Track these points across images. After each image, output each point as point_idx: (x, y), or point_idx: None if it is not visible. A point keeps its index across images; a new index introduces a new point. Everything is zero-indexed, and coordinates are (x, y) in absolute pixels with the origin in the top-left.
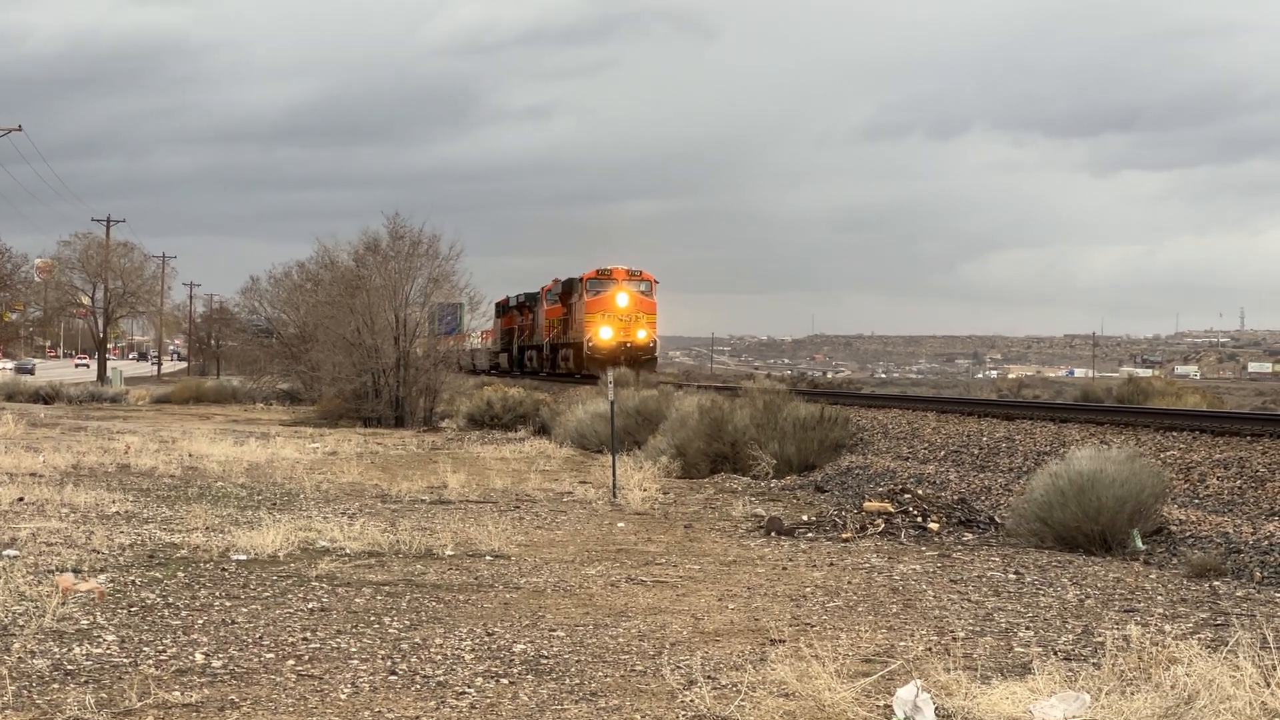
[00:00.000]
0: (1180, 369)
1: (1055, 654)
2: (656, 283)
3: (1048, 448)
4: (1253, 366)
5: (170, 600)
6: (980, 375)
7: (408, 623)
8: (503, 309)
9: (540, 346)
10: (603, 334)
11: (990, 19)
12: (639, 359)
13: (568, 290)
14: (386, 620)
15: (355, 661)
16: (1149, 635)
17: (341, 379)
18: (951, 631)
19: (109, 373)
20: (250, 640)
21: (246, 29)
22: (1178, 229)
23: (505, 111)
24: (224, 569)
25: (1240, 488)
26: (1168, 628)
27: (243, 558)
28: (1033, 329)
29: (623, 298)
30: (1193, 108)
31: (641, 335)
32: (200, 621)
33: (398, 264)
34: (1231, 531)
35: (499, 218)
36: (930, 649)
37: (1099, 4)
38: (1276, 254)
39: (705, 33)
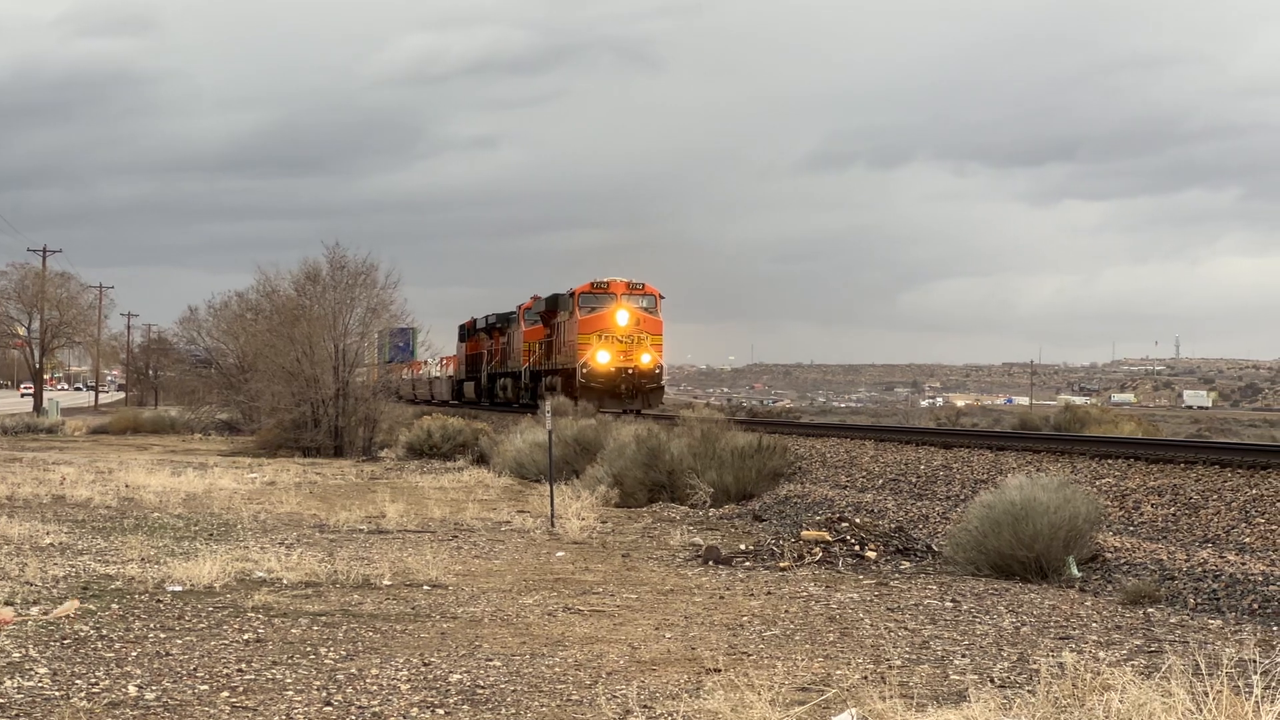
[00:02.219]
0: (1117, 397)
1: (991, 681)
2: (662, 298)
3: (985, 476)
4: (1188, 395)
5: (104, 632)
6: (926, 403)
7: (344, 653)
8: (468, 332)
9: (517, 374)
10: (600, 358)
11: (935, 50)
12: (643, 387)
13: (553, 308)
14: (323, 651)
15: (290, 693)
16: (1083, 662)
17: (280, 409)
18: (888, 660)
19: (45, 403)
20: (184, 672)
21: (194, 60)
22: (1116, 258)
23: (451, 142)
24: (159, 600)
25: (1174, 515)
26: (1102, 654)
27: (178, 589)
28: (972, 357)
29: (623, 315)
30: (1132, 139)
31: (646, 360)
32: (134, 653)
33: (337, 294)
34: (1165, 558)
35: (442, 248)
36: (866, 677)
37: (1042, 36)
38: (1212, 283)
39: (652, 65)
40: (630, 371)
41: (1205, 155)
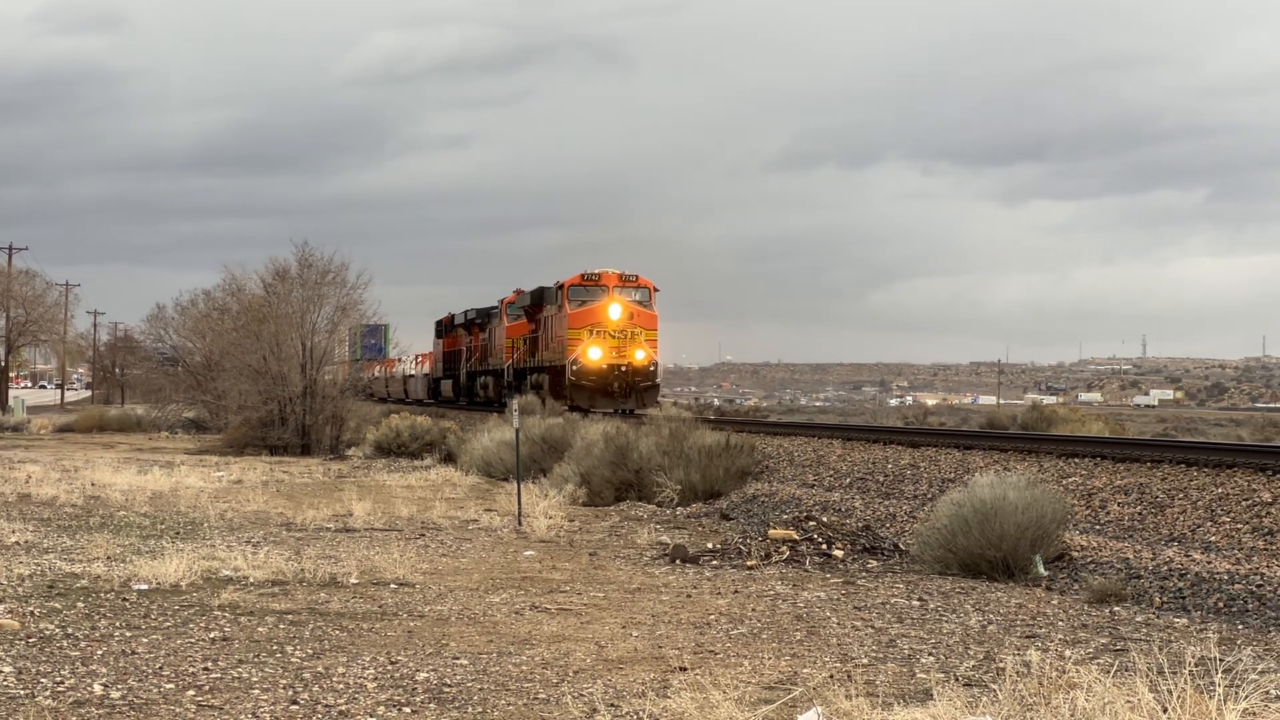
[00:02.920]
0: (1084, 396)
1: (957, 680)
2: (656, 290)
3: (952, 475)
4: (1150, 393)
5: (69, 631)
6: (895, 402)
7: (310, 652)
8: (445, 328)
9: (498, 371)
10: (591, 355)
11: (905, 49)
12: (637, 385)
13: (538, 302)
14: (289, 649)
15: (256, 691)
16: (1049, 661)
17: (247, 407)
18: (854, 659)
19: (11, 402)
20: (150, 671)
21: (165, 58)
22: (1083, 258)
23: (421, 141)
24: (125, 599)
25: (1140, 514)
26: (1068, 653)
27: (144, 587)
28: (939, 357)
29: (615, 309)
30: (1101, 139)
31: (640, 356)
32: (99, 652)
33: (305, 292)
34: (1132, 557)
35: (412, 247)
36: (833, 676)
37: (1012, 36)
38: (1179, 283)
39: (623, 64)
40: (624, 369)
41: (1174, 156)
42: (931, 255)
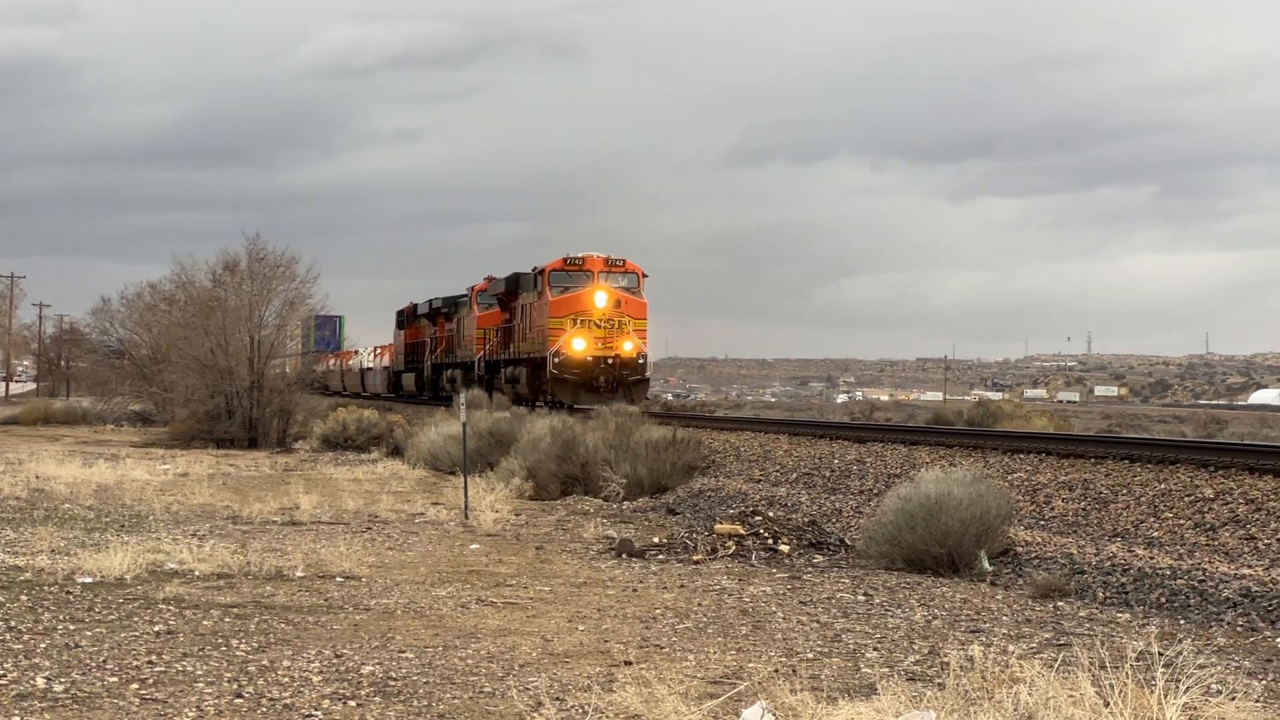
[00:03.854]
0: (1030, 392)
1: (901, 675)
2: (645, 276)
3: (898, 470)
4: (1099, 390)
5: (12, 624)
6: (843, 398)
7: (256, 645)
8: (407, 318)
9: (469, 364)
10: (575, 346)
11: (857, 46)
12: (625, 379)
13: (513, 289)
14: (234, 643)
15: (201, 685)
16: (993, 655)
17: (195, 400)
18: (800, 653)
19: None
20: (94, 664)
21: (116, 50)
22: (1030, 255)
23: (373, 135)
24: (69, 592)
25: (1084, 509)
26: (1011, 648)
27: (88, 580)
28: (886, 353)
29: (601, 297)
30: (1050, 136)
31: (629, 347)
32: (43, 645)
33: (254, 285)
34: (1076, 552)
35: (363, 241)
36: (778, 670)
37: (964, 33)
38: (1124, 281)
39: (575, 59)
40: (610, 361)
41: (1122, 153)
42: (879, 251)
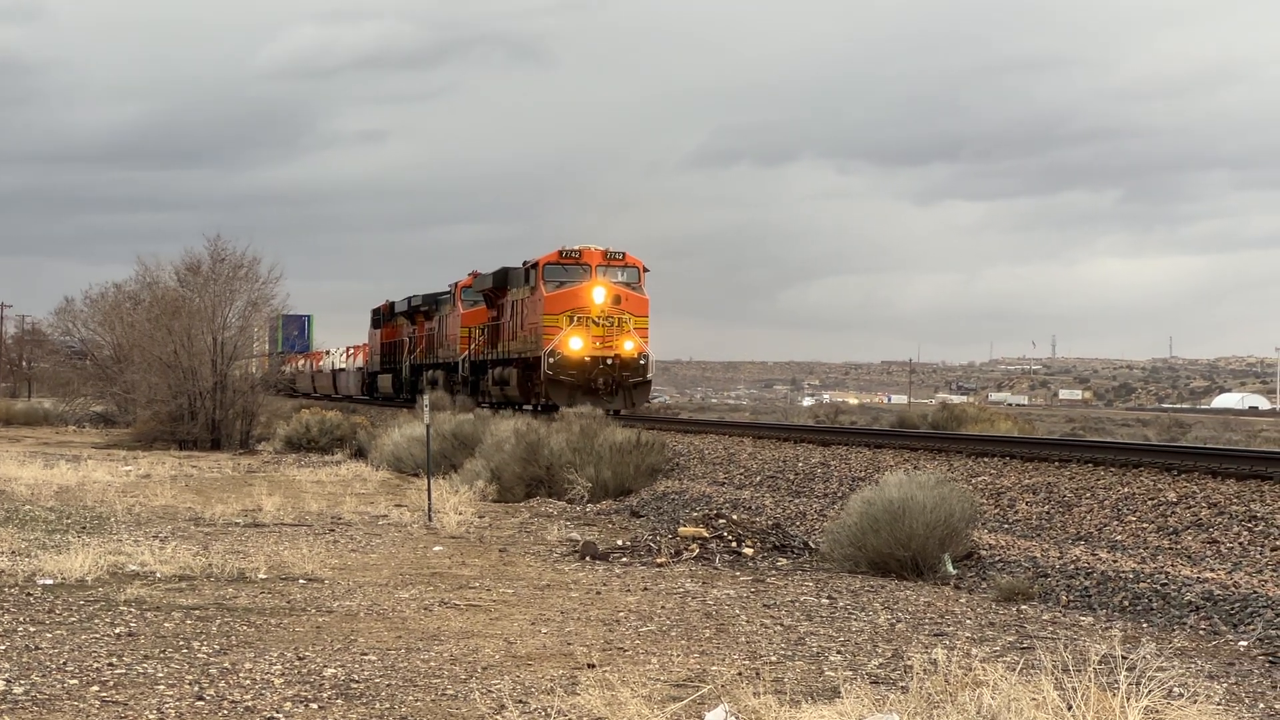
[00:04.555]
0: (995, 395)
1: (864, 677)
2: (646, 270)
3: (863, 473)
4: (1063, 393)
5: None
6: (810, 400)
7: (217, 647)
8: (384, 317)
9: (451, 365)
10: (573, 345)
11: (824, 49)
12: (625, 381)
13: (502, 284)
14: (196, 645)
15: (162, 687)
16: (956, 658)
17: (157, 401)
18: (763, 656)
19: None
20: (54, 666)
21: (83, 50)
22: (995, 258)
23: (339, 136)
24: (29, 594)
25: (1048, 512)
26: (975, 651)
27: (49, 582)
28: (851, 355)
29: (599, 292)
30: (1015, 139)
31: (629, 347)
32: (2, 648)
33: (217, 286)
34: (1039, 556)
35: (329, 242)
36: (741, 673)
37: (931, 36)
38: (1088, 284)
39: (541, 61)
40: (610, 361)
41: (1086, 157)
42: (845, 254)
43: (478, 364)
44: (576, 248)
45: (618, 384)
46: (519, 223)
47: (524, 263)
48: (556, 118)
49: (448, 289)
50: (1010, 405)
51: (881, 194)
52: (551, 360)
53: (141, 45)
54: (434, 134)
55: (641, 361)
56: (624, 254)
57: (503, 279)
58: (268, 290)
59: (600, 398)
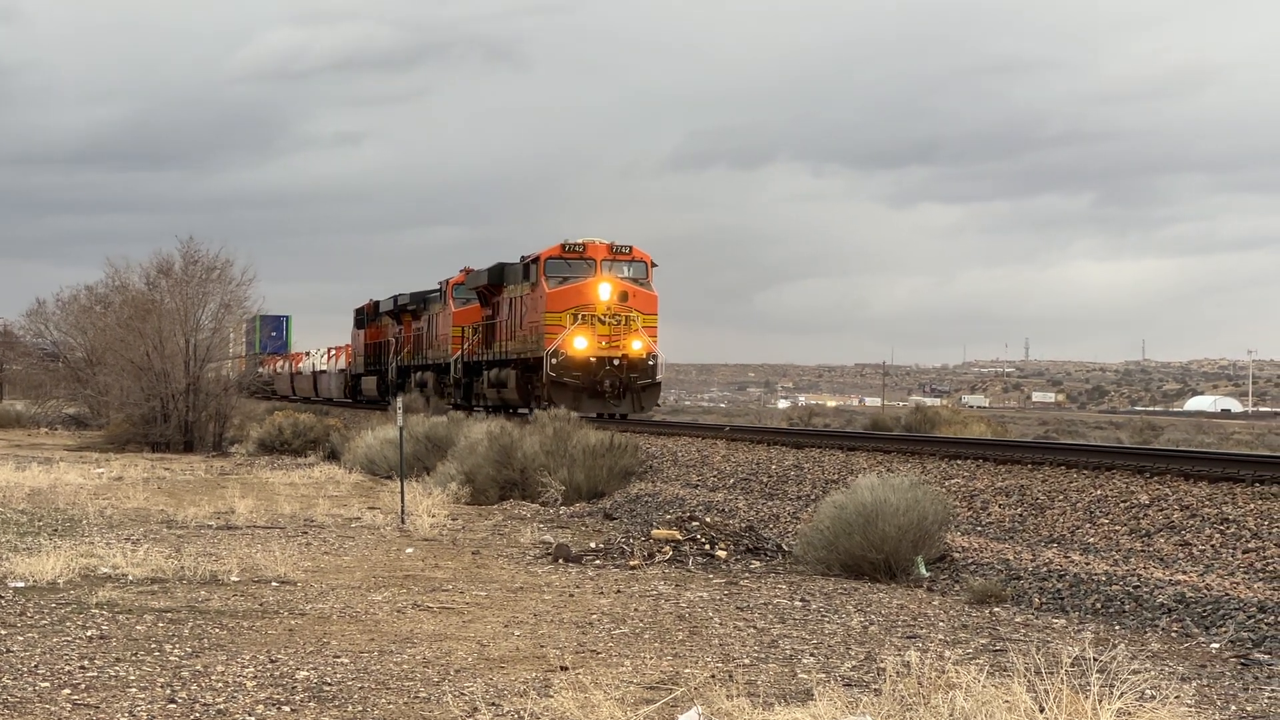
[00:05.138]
0: (967, 398)
1: (838, 680)
2: (655, 266)
3: (836, 476)
4: (1037, 396)
5: None
6: (785, 403)
7: (189, 650)
8: (368, 316)
9: (442, 366)
10: (577, 344)
11: (799, 52)
12: (634, 383)
13: (498, 281)
14: (168, 648)
15: (134, 690)
16: (929, 661)
17: (130, 403)
18: (736, 659)
19: None
20: (25, 669)
21: (57, 51)
22: (969, 261)
23: (314, 138)
24: (1, 596)
25: (1021, 515)
26: (948, 653)
27: (20, 585)
28: (824, 358)
29: (605, 289)
30: (991, 142)
31: (637, 346)
32: None
33: (190, 288)
34: (1012, 558)
35: (303, 244)
36: (715, 676)
37: (908, 38)
38: (1061, 287)
39: (517, 64)
40: (617, 362)
41: (1062, 160)
42: (819, 256)
43: (471, 365)
44: (580, 241)
45: (625, 386)
46: (494, 225)
47: (522, 258)
48: (532, 121)
49: (437, 286)
50: (972, 408)
51: (857, 197)
52: (554, 361)
53: (116, 47)
54: (410, 136)
55: (650, 362)
56: (630, 248)
57: (499, 275)
58: (241, 292)
59: (606, 401)
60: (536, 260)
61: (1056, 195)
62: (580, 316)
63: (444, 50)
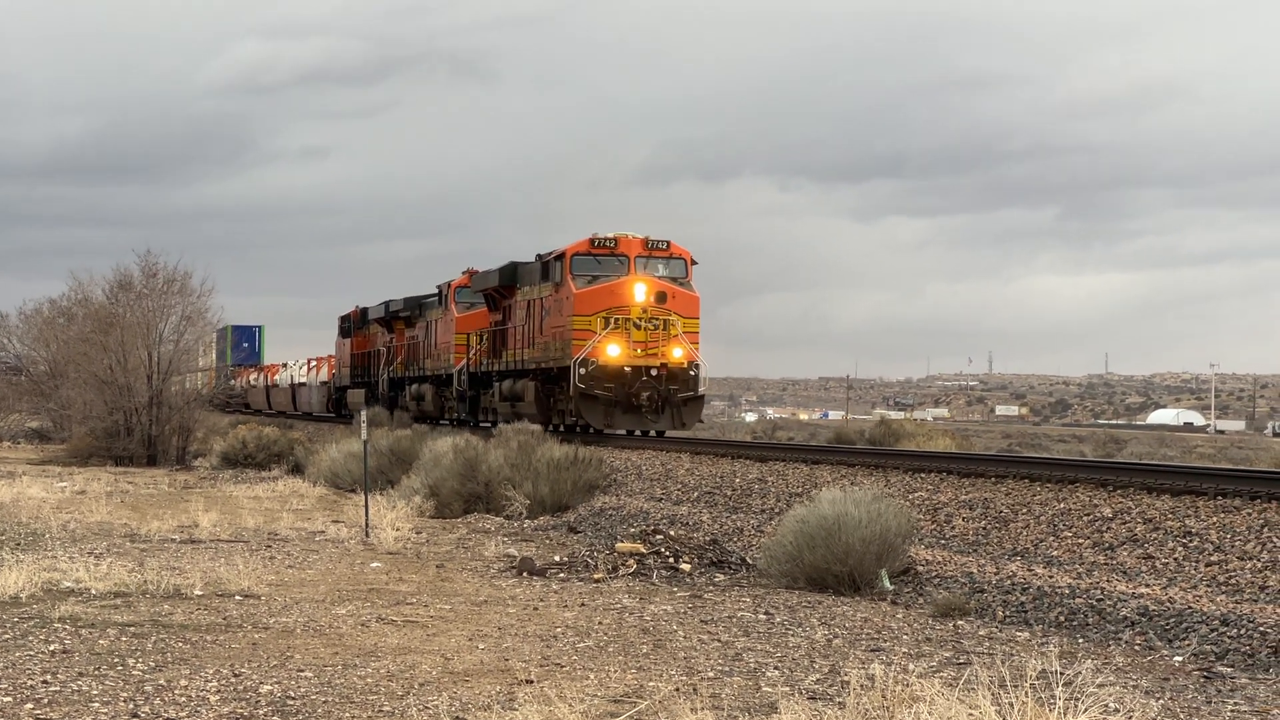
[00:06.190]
0: (932, 411)
1: (802, 693)
2: (695, 263)
3: (800, 489)
4: (1000, 409)
5: None
6: (753, 416)
7: (153, 664)
8: (355, 324)
9: (442, 377)
10: (610, 352)
11: (766, 66)
12: (673, 396)
13: (510, 281)
14: (131, 662)
15: (97, 704)
16: (893, 674)
17: (93, 417)
18: (700, 672)
19: None
20: None
21: (23, 64)
22: (934, 275)
23: (281, 151)
24: None
25: (985, 528)
26: (912, 666)
27: None
28: (788, 371)
29: (641, 289)
30: (956, 156)
31: (678, 354)
32: None
33: (150, 301)
34: (976, 571)
35: (272, 257)
36: (679, 689)
37: (874, 53)
38: (1025, 301)
39: (485, 78)
40: (655, 372)
41: (1026, 174)
42: (785, 271)
43: (478, 376)
44: (611, 235)
45: (664, 399)
46: (463, 238)
47: (538, 255)
48: (499, 134)
49: (435, 291)
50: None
51: (822, 211)
52: (583, 371)
53: (84, 60)
54: (377, 150)
55: (693, 373)
56: (668, 243)
57: (511, 275)
58: (201, 304)
59: (643, 417)
60: (561, 257)
61: (1021, 209)
62: (613, 320)
63: (411, 64)
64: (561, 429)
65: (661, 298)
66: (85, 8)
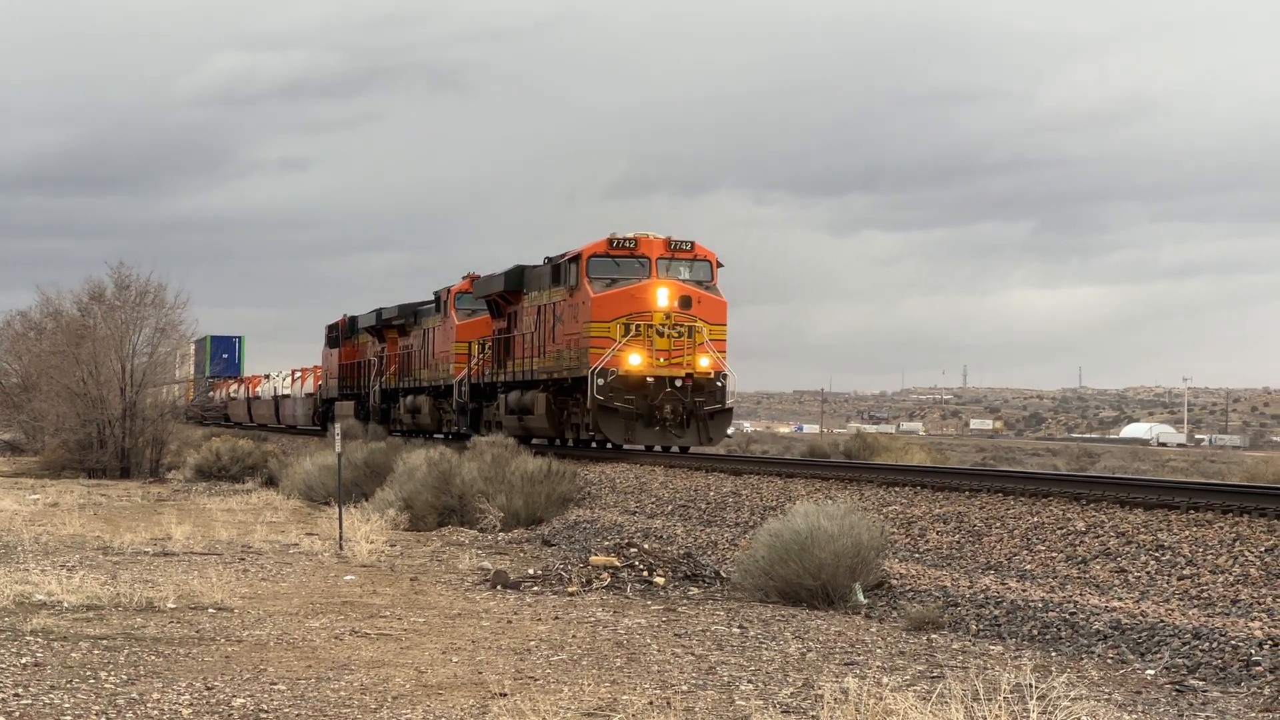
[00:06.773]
0: (906, 425)
1: (775, 707)
2: (721, 265)
3: (774, 503)
4: (974, 423)
5: None
6: (730, 430)
7: (125, 677)
8: (344, 334)
9: (441, 388)
10: (631, 361)
11: (743, 79)
12: (699, 409)
13: (517, 286)
14: (103, 675)
15: (69, 717)
16: (867, 688)
17: (65, 429)
18: (674, 685)
19: None
20: None
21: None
22: (909, 288)
23: (261, 163)
24: None
25: (959, 542)
26: (885, 680)
27: None
28: (763, 384)
29: (664, 293)
30: (933, 170)
31: (704, 364)
32: None
33: (124, 313)
34: (950, 585)
35: (251, 269)
36: (652, 703)
37: (851, 66)
38: (999, 314)
39: (463, 91)
40: (679, 383)
41: (1003, 188)
42: (761, 284)
43: (481, 387)
44: (630, 235)
45: (689, 413)
46: (439, 250)
47: (546, 259)
48: (478, 147)
49: (431, 297)
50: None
51: (799, 224)
52: (602, 382)
53: (60, 71)
54: (355, 162)
55: (720, 384)
56: (692, 244)
57: (518, 279)
58: (176, 315)
59: (666, 431)
60: (576, 259)
61: (997, 223)
62: (634, 327)
63: (390, 77)
64: (574, 444)
65: (686, 302)
66: (63, 18)
